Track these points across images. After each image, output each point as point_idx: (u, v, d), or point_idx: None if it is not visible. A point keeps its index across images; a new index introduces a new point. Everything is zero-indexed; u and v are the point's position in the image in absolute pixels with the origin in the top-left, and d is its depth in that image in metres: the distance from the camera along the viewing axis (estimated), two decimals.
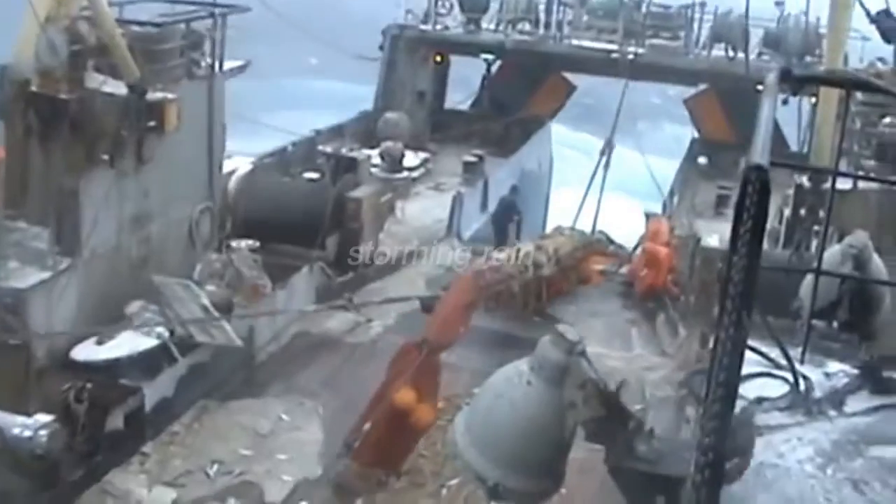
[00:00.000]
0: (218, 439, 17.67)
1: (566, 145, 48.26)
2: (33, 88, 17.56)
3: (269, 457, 17.31)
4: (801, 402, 6.57)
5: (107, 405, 16.15)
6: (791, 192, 21.06)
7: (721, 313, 4.42)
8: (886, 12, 22.43)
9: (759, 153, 4.80)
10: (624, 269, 25.82)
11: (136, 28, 19.02)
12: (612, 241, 27.77)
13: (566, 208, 34.77)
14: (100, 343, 17.72)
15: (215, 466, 16.83)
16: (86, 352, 17.54)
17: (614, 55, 34.74)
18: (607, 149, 31.53)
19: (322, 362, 20.58)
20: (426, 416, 16.08)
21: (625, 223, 32.12)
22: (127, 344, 17.79)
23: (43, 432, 14.82)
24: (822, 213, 19.85)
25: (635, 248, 26.12)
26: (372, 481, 16.21)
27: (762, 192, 4.45)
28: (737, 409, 5.06)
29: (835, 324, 9.32)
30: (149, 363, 17.74)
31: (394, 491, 16.30)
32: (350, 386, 19.08)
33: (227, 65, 21.73)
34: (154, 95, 18.68)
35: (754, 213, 4.46)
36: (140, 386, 17.05)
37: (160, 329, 18.22)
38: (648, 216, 25.97)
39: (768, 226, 5.17)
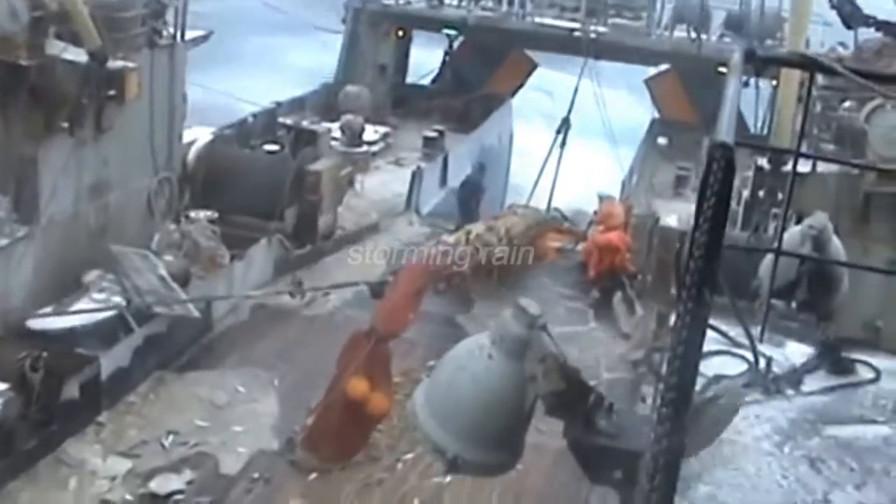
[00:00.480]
0: (174, 410, 17.63)
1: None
2: None
3: (224, 428, 17.27)
4: (759, 380, 6.63)
5: (62, 374, 16.06)
6: (750, 173, 21.16)
7: (683, 288, 4.45)
8: None
9: (725, 131, 4.82)
10: (580, 247, 25.93)
11: None
12: (566, 218, 27.87)
13: (526, 148, 35.05)
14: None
15: (171, 437, 16.79)
16: (42, 321, 17.44)
17: (576, 33, 34.77)
18: (563, 127, 31.47)
19: (279, 334, 20.56)
20: (380, 404, 16.14)
21: (580, 166, 32.37)
22: (84, 313, 17.71)
23: None
24: (780, 196, 19.96)
25: (588, 226, 26.28)
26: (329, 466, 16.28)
27: (727, 169, 4.47)
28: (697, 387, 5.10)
29: (793, 304, 9.39)
30: (105, 333, 17.67)
31: (349, 464, 16.34)
32: (307, 358, 19.11)
33: (189, 34, 21.61)
34: (115, 64, 18.52)
35: (718, 190, 4.48)
36: (96, 355, 16.96)
37: (117, 299, 18.17)
38: (601, 198, 25.98)
39: None
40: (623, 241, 23.72)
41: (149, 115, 20.35)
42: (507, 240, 23.02)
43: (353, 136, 31.92)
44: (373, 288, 19.88)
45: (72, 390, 16.22)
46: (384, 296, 17.73)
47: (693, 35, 34.94)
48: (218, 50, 25.27)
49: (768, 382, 6.61)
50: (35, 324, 17.34)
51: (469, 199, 29.21)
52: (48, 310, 17.67)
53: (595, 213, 26.28)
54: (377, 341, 16.05)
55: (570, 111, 31.56)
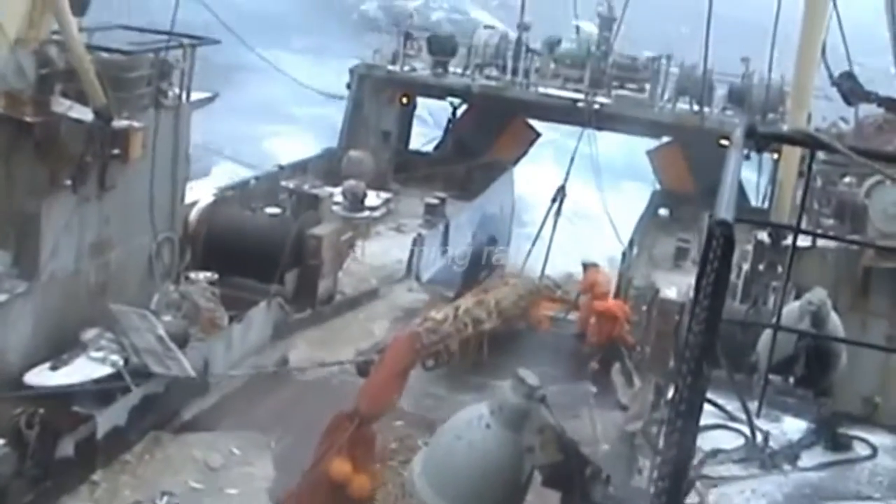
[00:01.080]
0: (169, 471, 17.56)
1: None
2: None
3: (219, 491, 17.21)
4: (757, 455, 6.62)
5: (58, 431, 16.04)
6: (750, 247, 21.17)
7: (682, 363, 4.46)
8: (849, 74, 22.56)
9: (725, 208, 4.85)
10: (572, 317, 25.88)
11: (104, 55, 18.98)
12: (558, 286, 27.82)
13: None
14: (54, 369, 17.62)
15: (165, 498, 16.71)
16: (39, 377, 17.42)
17: (580, 104, 34.87)
18: (560, 195, 31.41)
19: (276, 397, 20.48)
20: (363, 486, 15.97)
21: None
22: (81, 371, 17.69)
23: None
24: (780, 270, 19.97)
25: (577, 297, 26.25)
26: None
27: (726, 246, 4.50)
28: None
29: (791, 379, 9.39)
30: (102, 391, 17.64)
31: None
32: (302, 422, 19.02)
33: (195, 96, 21.73)
34: (120, 123, 18.63)
35: (718, 266, 4.50)
36: (92, 413, 16.94)
37: (115, 357, 18.15)
38: (586, 266, 25.90)
39: None
40: (622, 309, 23.70)
41: (152, 175, 20.41)
42: (497, 313, 22.66)
43: (355, 202, 32.02)
44: (359, 367, 19.82)
45: (67, 448, 16.19)
46: (369, 376, 17.59)
47: (696, 108, 35.05)
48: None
49: (765, 457, 6.60)
50: (32, 380, 17.32)
51: (478, 271, 29.23)
52: (45, 366, 17.65)
53: (580, 281, 26.31)
54: (360, 423, 15.89)
55: (566, 179, 31.51)
